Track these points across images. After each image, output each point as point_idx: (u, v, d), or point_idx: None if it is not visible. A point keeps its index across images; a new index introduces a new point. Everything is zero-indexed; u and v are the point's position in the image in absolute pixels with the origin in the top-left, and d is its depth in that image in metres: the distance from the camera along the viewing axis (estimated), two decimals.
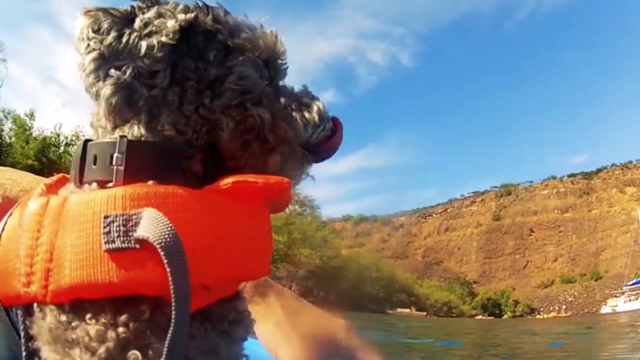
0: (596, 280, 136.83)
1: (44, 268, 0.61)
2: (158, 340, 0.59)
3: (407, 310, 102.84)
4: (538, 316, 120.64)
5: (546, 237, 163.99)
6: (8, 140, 37.70)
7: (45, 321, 0.63)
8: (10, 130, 38.19)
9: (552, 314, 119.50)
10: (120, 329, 0.59)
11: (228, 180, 0.69)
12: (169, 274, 0.57)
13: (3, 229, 0.70)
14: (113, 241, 0.60)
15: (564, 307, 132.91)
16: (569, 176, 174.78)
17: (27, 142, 36.52)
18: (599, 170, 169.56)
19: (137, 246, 0.61)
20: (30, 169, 29.21)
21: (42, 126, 40.91)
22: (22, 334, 0.66)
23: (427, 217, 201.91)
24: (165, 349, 0.57)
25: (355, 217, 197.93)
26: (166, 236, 0.59)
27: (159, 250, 0.58)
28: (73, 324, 0.61)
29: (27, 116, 38.45)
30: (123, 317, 0.60)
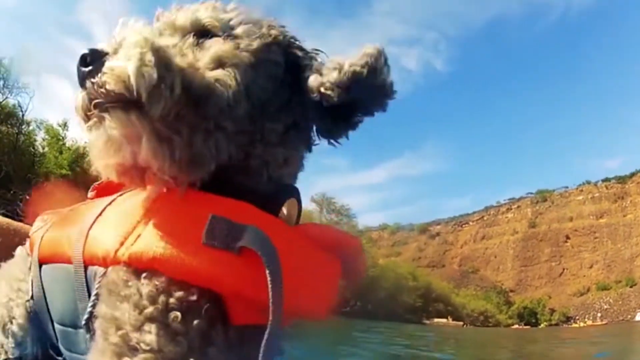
0: (631, 287, 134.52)
1: (137, 234, 0.73)
2: (196, 333, 0.68)
3: (444, 320, 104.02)
4: (574, 325, 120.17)
5: (582, 243, 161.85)
6: (41, 150, 37.57)
7: (108, 278, 0.74)
8: (44, 140, 38.03)
9: (588, 322, 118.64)
10: (172, 300, 0.68)
11: (315, 228, 0.82)
12: (269, 283, 0.66)
13: (103, 210, 0.86)
14: (213, 239, 0.70)
15: (599, 314, 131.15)
16: (603, 181, 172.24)
17: (61, 152, 36.32)
18: (632, 174, 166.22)
19: (234, 252, 0.70)
20: (64, 179, 30.63)
21: (76, 136, 40.03)
22: (94, 293, 0.77)
23: (464, 225, 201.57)
24: (262, 347, 0.65)
25: (392, 226, 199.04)
26: (271, 253, 0.68)
27: (265, 262, 0.67)
28: (130, 282, 0.70)
29: (60, 126, 37.87)
30: (179, 294, 0.69)
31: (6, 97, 34.46)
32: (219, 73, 0.76)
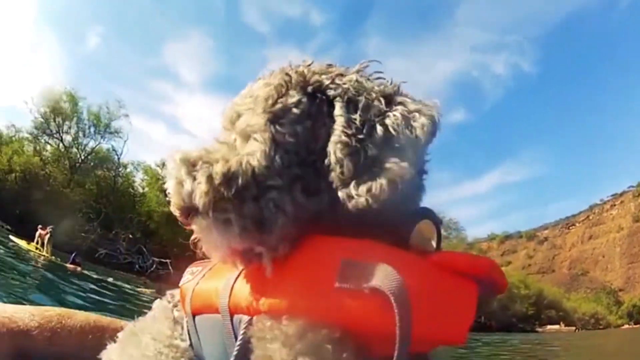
0: None
1: (273, 285, 0.79)
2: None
3: (556, 327, 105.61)
4: None
5: None
6: (141, 191, 38.53)
7: (254, 326, 0.79)
8: (142, 180, 38.86)
9: None
10: (318, 337, 0.72)
11: (447, 255, 0.80)
12: (397, 321, 0.67)
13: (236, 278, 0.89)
14: (346, 282, 0.72)
15: None
16: None
17: (162, 191, 34.35)
18: None
19: (367, 292, 0.70)
20: (168, 216, 33.68)
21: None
22: (239, 340, 0.82)
23: (571, 227, 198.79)
24: None
25: (500, 235, 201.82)
26: (399, 289, 0.69)
27: (392, 299, 0.68)
28: (273, 327, 0.75)
29: (158, 166, 37.82)
30: (324, 331, 0.72)
31: (99, 143, 36.42)
32: (247, 147, 0.80)
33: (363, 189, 0.74)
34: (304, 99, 0.83)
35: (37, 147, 34.59)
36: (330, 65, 0.88)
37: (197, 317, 0.99)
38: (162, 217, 32.87)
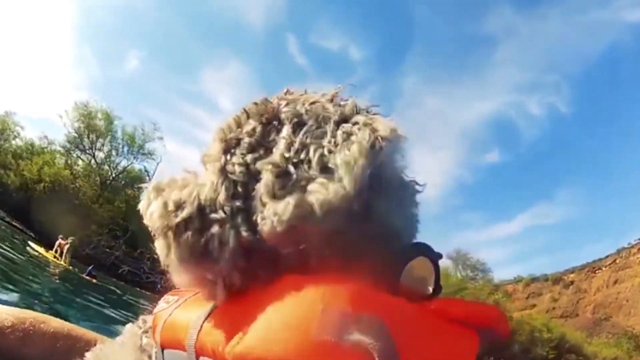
0: None
1: (243, 333, 0.70)
2: None
3: None
4: None
5: None
6: None
7: None
8: None
9: None
10: None
11: (443, 302, 0.72)
12: None
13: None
14: (326, 333, 0.64)
15: None
16: None
17: None
18: None
19: (348, 346, 0.64)
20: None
21: None
22: None
23: (597, 271, 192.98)
24: None
25: (526, 278, 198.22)
26: (384, 347, 0.62)
27: (377, 355, 0.61)
28: None
29: None
30: None
31: (131, 163, 36.94)
32: (201, 177, 0.79)
33: (270, 210, 0.68)
34: (259, 127, 0.76)
35: (69, 161, 35.54)
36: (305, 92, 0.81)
37: (165, 351, 0.94)
38: None
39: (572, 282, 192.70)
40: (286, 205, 0.66)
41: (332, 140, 0.70)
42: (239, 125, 0.79)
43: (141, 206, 0.78)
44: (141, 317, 1.13)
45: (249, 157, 0.75)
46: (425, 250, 0.77)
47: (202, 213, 0.75)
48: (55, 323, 1.37)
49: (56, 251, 22.06)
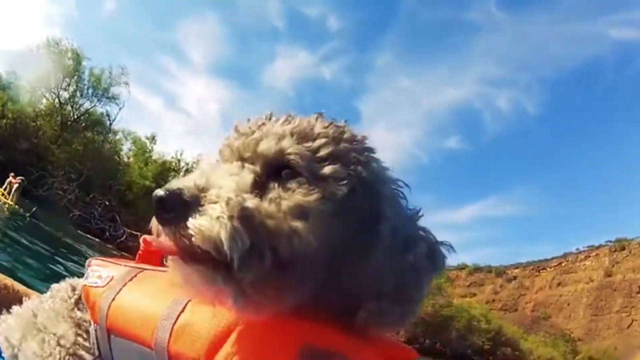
0: None
1: (228, 353, 0.78)
2: None
3: None
4: None
5: None
6: (126, 160, 38.53)
7: None
8: (129, 150, 39.14)
9: None
10: None
11: (383, 341, 0.87)
12: None
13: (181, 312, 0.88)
14: None
15: None
16: None
17: (146, 164, 37.01)
18: None
19: None
20: (147, 190, 31.46)
21: (163, 150, 41.00)
22: None
23: (541, 271, 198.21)
24: None
25: (470, 267, 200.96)
26: None
27: None
28: None
29: (147, 139, 38.70)
30: None
31: (94, 105, 36.24)
32: (301, 228, 0.73)
33: (397, 311, 0.82)
34: (368, 206, 0.83)
35: (33, 99, 34.12)
36: (375, 153, 0.89)
37: (113, 337, 0.96)
38: (141, 190, 33.23)
39: (515, 277, 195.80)
40: (408, 313, 0.82)
41: (423, 248, 0.83)
42: (353, 190, 0.80)
43: (223, 234, 0.69)
44: (69, 282, 1.15)
45: (351, 231, 0.80)
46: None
47: (300, 272, 0.77)
48: None
49: (5, 189, 21.88)
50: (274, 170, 0.79)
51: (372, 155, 0.87)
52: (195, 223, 0.70)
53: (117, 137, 38.24)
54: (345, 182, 0.78)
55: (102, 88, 35.68)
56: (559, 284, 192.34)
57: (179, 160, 40.31)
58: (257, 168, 0.80)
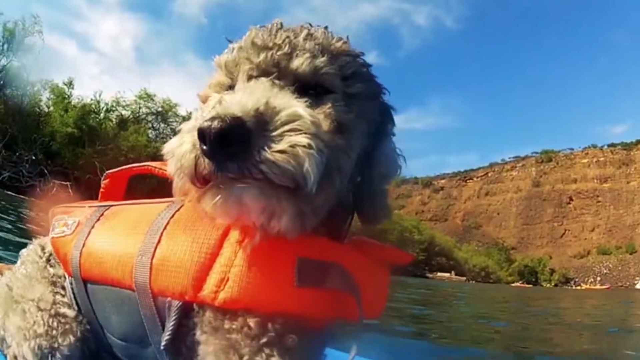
0: (631, 253, 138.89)
1: (219, 279, 0.76)
2: (305, 348, 0.78)
3: (447, 275, 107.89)
4: (582, 286, 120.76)
5: (584, 206, 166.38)
6: (46, 110, 37.36)
7: (205, 316, 0.79)
8: (49, 99, 37.83)
9: (586, 285, 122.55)
10: (277, 325, 0.76)
11: (371, 246, 0.91)
12: (358, 313, 0.80)
13: (161, 235, 0.85)
14: (304, 281, 0.76)
15: (598, 278, 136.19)
16: (609, 146, 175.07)
17: (67, 111, 35.66)
18: (638, 142, 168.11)
19: (323, 288, 0.79)
20: (70, 137, 33.16)
21: (82, 94, 40.46)
22: (171, 322, 0.81)
23: (468, 181, 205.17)
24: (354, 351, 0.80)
25: (396, 179, 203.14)
26: (353, 287, 0.81)
27: (355, 299, 0.81)
28: (232, 318, 0.76)
29: (65, 85, 37.69)
30: (283, 321, 0.76)
31: (10, 60, 34.89)
32: (341, 143, 0.73)
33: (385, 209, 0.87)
34: (378, 117, 0.87)
35: None
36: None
37: (90, 285, 0.96)
38: (65, 138, 33.37)
39: (442, 188, 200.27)
40: (389, 210, 0.86)
41: (395, 157, 0.90)
42: (371, 103, 0.83)
43: (314, 167, 0.64)
44: (37, 243, 1.13)
45: (365, 142, 0.82)
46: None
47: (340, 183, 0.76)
48: None
49: None
50: (306, 88, 0.76)
51: (371, 69, 0.88)
52: (271, 156, 0.62)
53: (35, 88, 37.00)
54: (369, 99, 0.82)
55: (16, 41, 34.86)
56: (487, 194, 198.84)
57: (98, 102, 40.09)
58: (291, 86, 0.75)
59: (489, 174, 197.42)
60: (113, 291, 0.90)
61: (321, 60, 0.76)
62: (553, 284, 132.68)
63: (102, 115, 39.88)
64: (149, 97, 39.79)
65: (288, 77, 0.76)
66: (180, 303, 0.81)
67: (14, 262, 1.13)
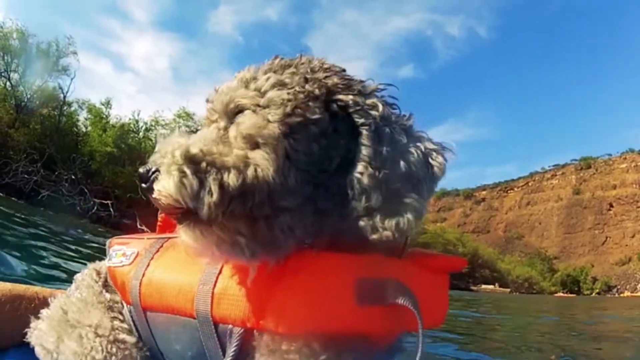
0: None
1: (280, 305, 0.79)
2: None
3: (491, 287, 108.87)
4: (624, 294, 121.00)
5: (625, 212, 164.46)
6: (84, 130, 37.05)
7: (263, 339, 0.80)
8: (86, 119, 37.49)
9: (628, 294, 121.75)
10: (337, 345, 0.77)
11: (426, 257, 0.91)
12: (420, 327, 0.77)
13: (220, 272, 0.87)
14: (364, 300, 0.77)
15: (639, 285, 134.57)
16: None
17: (105, 130, 35.70)
18: None
19: (386, 307, 0.79)
20: (110, 156, 32.57)
21: (120, 114, 40.58)
22: (232, 349, 0.83)
23: (509, 191, 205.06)
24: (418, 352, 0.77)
25: (438, 191, 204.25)
26: (413, 300, 0.78)
27: (414, 312, 0.77)
28: (291, 340, 0.78)
29: (102, 105, 37.46)
30: (343, 342, 0.78)
31: (45, 81, 34.22)
32: (255, 156, 0.74)
33: (391, 223, 0.75)
34: (326, 117, 0.79)
35: None
36: (344, 72, 0.85)
37: (151, 314, 0.97)
38: (104, 157, 33.03)
39: (483, 199, 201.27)
40: (408, 221, 0.75)
41: (416, 157, 0.79)
42: (300, 106, 0.77)
43: (169, 185, 0.72)
44: (92, 267, 1.14)
45: (314, 146, 0.77)
46: None
47: (271, 200, 0.75)
48: None
49: None
50: (233, 120, 0.80)
51: (333, 71, 0.84)
52: (156, 187, 0.74)
53: (72, 108, 36.60)
54: (288, 101, 0.77)
55: (51, 62, 33.90)
56: (528, 204, 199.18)
57: (137, 121, 38.94)
58: (222, 123, 0.82)
59: (530, 184, 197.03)
60: (174, 319, 0.91)
61: (236, 91, 0.81)
62: (596, 292, 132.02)
63: (141, 134, 38.80)
64: (188, 115, 38.30)
65: (221, 117, 0.83)
66: (242, 330, 0.82)
67: (61, 282, 1.47)
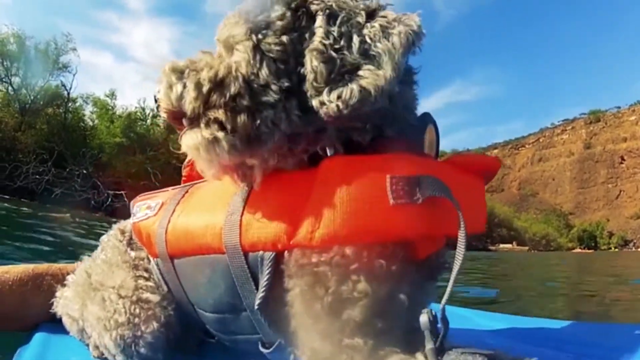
0: None
1: (313, 218, 0.74)
2: (397, 274, 0.73)
3: (509, 246, 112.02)
4: None
5: (637, 165, 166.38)
6: (91, 123, 37.57)
7: (292, 258, 0.76)
8: (92, 113, 38.11)
9: None
10: (374, 254, 0.73)
11: (461, 157, 0.88)
12: (461, 220, 0.72)
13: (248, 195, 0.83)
14: (399, 197, 0.73)
15: None
16: None
17: (112, 122, 36.18)
18: None
19: (421, 203, 0.73)
20: (119, 146, 33.33)
21: (125, 104, 42.16)
22: (265, 277, 0.78)
23: (520, 148, 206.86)
24: (452, 274, 0.72)
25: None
26: (449, 194, 0.74)
27: (454, 204, 0.73)
28: (322, 251, 0.73)
29: (107, 97, 38.24)
30: (378, 249, 0.73)
31: (47, 80, 35.15)
32: (233, 58, 0.76)
33: (334, 94, 0.71)
34: (288, 13, 0.77)
35: None
36: None
37: (178, 261, 0.94)
38: (113, 148, 33.72)
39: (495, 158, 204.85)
40: (352, 91, 0.70)
41: (371, 30, 0.74)
42: (264, 9, 0.78)
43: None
44: (116, 227, 1.12)
45: (284, 39, 0.75)
46: (430, 119, 0.87)
47: (251, 90, 0.74)
48: (17, 269, 1.28)
49: None
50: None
51: None
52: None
53: (77, 104, 37.90)
54: (255, 5, 0.79)
55: (51, 61, 35.18)
56: (540, 160, 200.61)
57: (143, 109, 39.72)
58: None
59: (540, 140, 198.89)
60: (202, 259, 0.88)
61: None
62: (613, 247, 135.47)
63: (148, 121, 39.23)
64: None
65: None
66: (273, 254, 0.79)
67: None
